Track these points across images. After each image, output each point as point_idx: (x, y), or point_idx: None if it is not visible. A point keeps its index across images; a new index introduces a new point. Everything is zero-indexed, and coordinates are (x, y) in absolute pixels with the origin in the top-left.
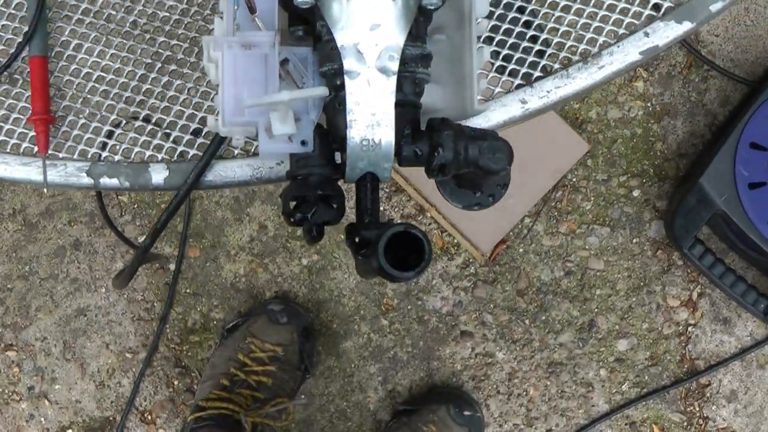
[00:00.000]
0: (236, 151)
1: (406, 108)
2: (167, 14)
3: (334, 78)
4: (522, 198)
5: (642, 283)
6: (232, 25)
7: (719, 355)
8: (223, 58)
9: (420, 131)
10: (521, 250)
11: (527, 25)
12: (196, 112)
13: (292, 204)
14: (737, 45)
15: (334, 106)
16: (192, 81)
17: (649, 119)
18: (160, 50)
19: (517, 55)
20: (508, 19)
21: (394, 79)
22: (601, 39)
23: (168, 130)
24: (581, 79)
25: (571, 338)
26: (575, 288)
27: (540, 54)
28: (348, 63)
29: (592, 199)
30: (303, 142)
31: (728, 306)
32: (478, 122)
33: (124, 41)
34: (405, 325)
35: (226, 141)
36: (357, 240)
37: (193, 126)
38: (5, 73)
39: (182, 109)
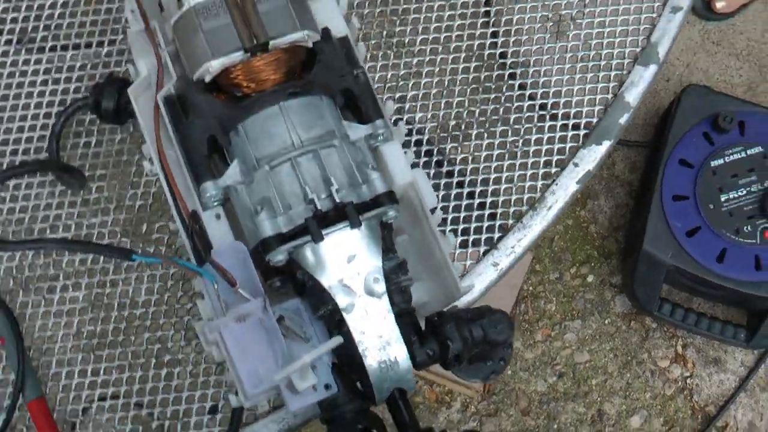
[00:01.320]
0: (258, 411)
1: (404, 317)
2: (143, 310)
3: (332, 317)
4: None
5: (629, 357)
6: (219, 306)
7: (724, 395)
8: (223, 340)
9: (423, 333)
10: (509, 372)
11: (471, 195)
12: (206, 391)
13: None
14: None
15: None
16: (190, 363)
17: (575, 208)
18: (149, 346)
19: (474, 225)
20: (452, 197)
21: (385, 297)
22: (539, 183)
23: (186, 418)
24: (536, 224)
25: None
26: (572, 386)
27: (492, 216)
28: (340, 300)
29: (554, 299)
30: (327, 386)
31: (713, 347)
32: (465, 298)
33: (112, 351)
34: None
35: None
36: None
37: (209, 405)
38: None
39: (192, 393)
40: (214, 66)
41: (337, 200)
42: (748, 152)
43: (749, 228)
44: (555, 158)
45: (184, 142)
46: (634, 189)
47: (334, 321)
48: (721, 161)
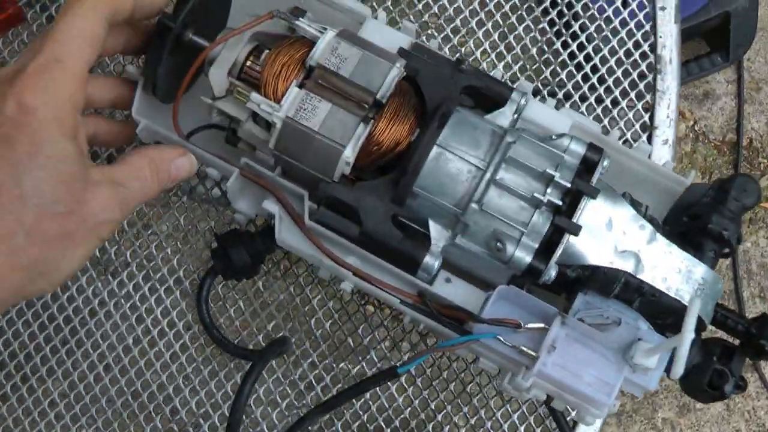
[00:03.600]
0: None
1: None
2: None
3: (626, 287)
4: None
5: None
6: (516, 354)
7: (731, 117)
8: (549, 378)
9: (693, 241)
10: None
11: (602, 81)
12: None
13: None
14: None
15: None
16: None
17: None
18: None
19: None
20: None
21: (659, 235)
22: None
23: None
24: (670, 81)
25: None
26: None
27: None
28: (627, 266)
29: None
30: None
31: (695, 86)
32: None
33: None
34: None
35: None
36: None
37: None
38: None
39: None
40: (348, 154)
41: (563, 183)
42: None
43: None
44: None
45: (370, 243)
46: None
47: (630, 289)
48: None
